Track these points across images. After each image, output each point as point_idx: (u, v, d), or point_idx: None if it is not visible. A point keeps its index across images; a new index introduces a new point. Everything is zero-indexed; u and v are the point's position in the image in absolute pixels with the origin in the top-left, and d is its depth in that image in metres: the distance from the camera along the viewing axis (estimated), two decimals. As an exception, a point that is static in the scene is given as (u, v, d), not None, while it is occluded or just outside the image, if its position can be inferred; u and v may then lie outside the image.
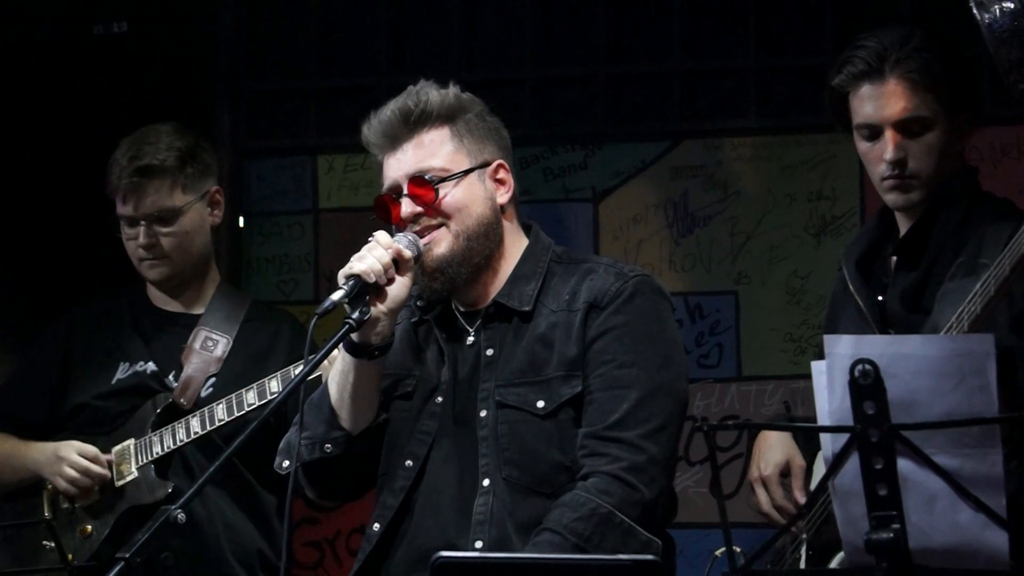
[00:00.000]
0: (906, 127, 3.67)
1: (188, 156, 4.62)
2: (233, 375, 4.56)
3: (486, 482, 3.47)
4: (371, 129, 3.60)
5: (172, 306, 4.72)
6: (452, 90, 3.62)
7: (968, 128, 3.74)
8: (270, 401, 4.32)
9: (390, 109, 3.58)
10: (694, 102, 5.74)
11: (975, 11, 3.38)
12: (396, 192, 3.57)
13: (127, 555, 2.97)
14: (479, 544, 3.42)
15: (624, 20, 5.79)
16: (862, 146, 3.75)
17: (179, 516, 3.04)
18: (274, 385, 4.33)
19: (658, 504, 3.46)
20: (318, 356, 3.40)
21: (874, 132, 3.70)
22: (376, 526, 3.58)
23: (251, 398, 4.38)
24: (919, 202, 3.71)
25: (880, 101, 3.67)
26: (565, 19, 5.84)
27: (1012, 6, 3.35)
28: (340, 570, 5.74)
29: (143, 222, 4.58)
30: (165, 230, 4.59)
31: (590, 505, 3.39)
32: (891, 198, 3.73)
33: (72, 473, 4.56)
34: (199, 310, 4.70)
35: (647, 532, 3.42)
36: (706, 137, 5.71)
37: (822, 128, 5.59)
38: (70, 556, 4.49)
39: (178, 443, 4.50)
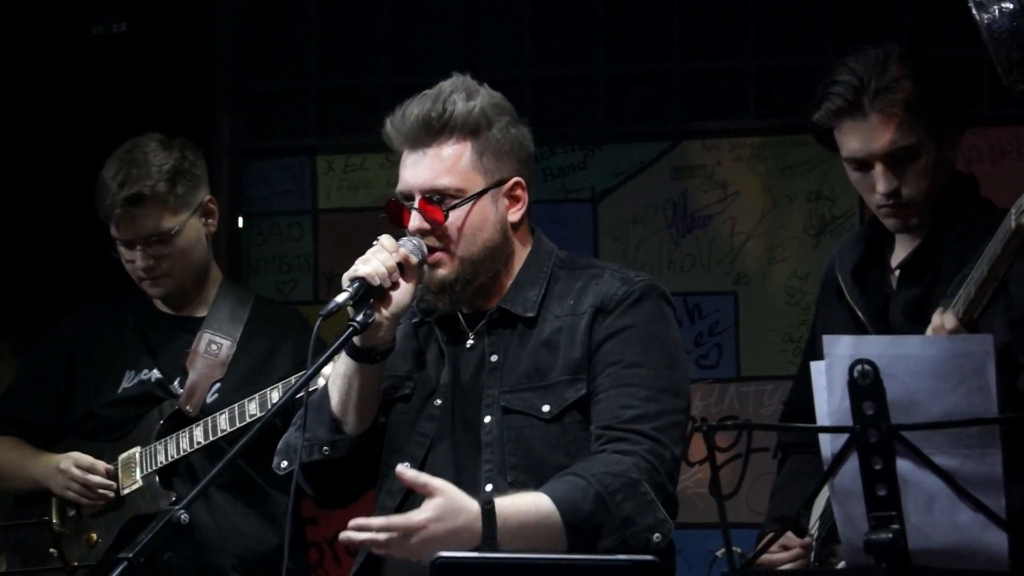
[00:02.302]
0: (894, 158, 3.64)
1: (177, 175, 4.58)
2: (238, 379, 4.56)
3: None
4: (393, 125, 3.56)
5: (176, 310, 4.72)
6: (480, 101, 3.55)
7: (955, 137, 3.73)
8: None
9: (414, 114, 3.52)
10: (694, 102, 5.74)
11: (974, 11, 3.37)
12: (408, 198, 3.56)
13: (130, 555, 2.97)
14: (478, 546, 3.43)
15: (624, 20, 5.79)
16: (853, 176, 3.73)
17: (182, 517, 3.05)
18: (275, 396, 4.33)
19: (670, 499, 3.46)
20: (322, 359, 3.40)
21: (863, 165, 3.68)
22: (375, 527, 3.59)
23: (253, 409, 4.37)
24: (919, 224, 3.70)
25: (864, 136, 3.64)
26: (565, 19, 5.84)
27: (1011, 6, 3.34)
28: (340, 570, 5.73)
29: (140, 246, 4.58)
30: (163, 251, 4.58)
31: (622, 467, 3.38)
32: (890, 223, 3.72)
33: (75, 486, 4.57)
34: (202, 313, 4.69)
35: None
36: (706, 137, 5.71)
37: (821, 128, 5.60)
38: (75, 563, 4.50)
39: (182, 452, 4.50)
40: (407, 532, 3.23)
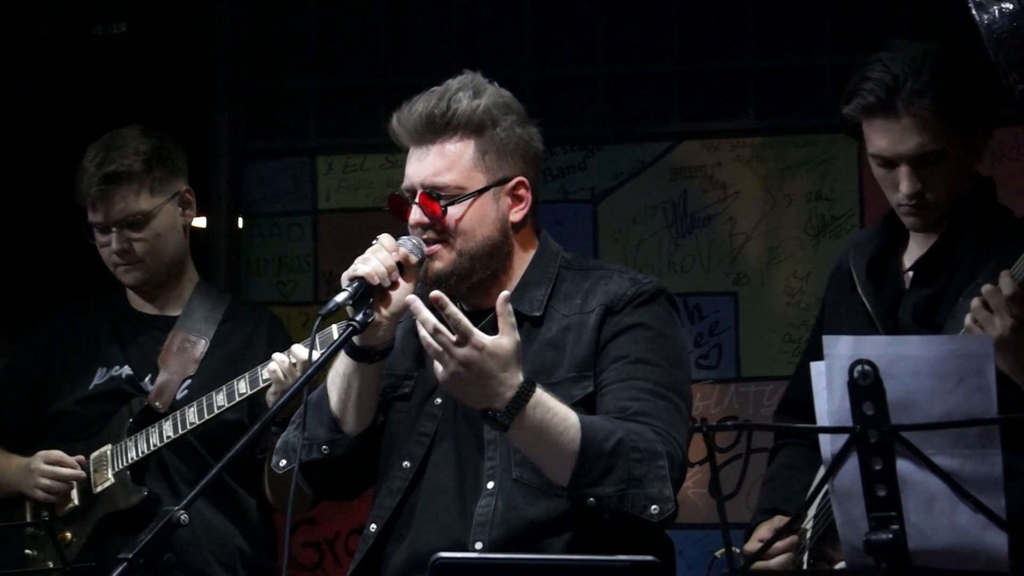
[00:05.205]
0: (921, 160, 3.60)
1: (154, 159, 4.61)
2: (209, 377, 4.57)
3: (491, 484, 3.47)
4: (399, 121, 3.57)
5: (150, 308, 4.73)
6: (486, 100, 3.55)
7: (982, 141, 3.70)
8: (244, 401, 4.36)
9: (418, 111, 3.53)
10: (694, 102, 5.74)
11: (974, 12, 3.37)
12: (411, 193, 3.57)
13: (130, 555, 2.97)
14: (479, 545, 3.42)
15: (623, 20, 5.79)
16: (877, 171, 3.68)
17: (181, 517, 3.05)
18: (242, 386, 4.33)
19: (677, 488, 3.46)
20: (321, 357, 3.41)
21: (888, 163, 3.64)
22: (373, 527, 3.58)
23: (220, 400, 4.38)
24: (937, 224, 3.68)
25: (894, 137, 3.59)
26: (565, 19, 5.85)
27: (1011, 7, 3.34)
28: (339, 571, 5.74)
29: (114, 228, 4.59)
30: (137, 235, 4.59)
31: (651, 436, 3.39)
32: (909, 222, 3.69)
33: (44, 481, 4.58)
34: (176, 312, 4.71)
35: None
36: (705, 138, 5.71)
37: (821, 129, 5.60)
38: (50, 564, 4.51)
39: (152, 448, 4.51)
40: (464, 338, 3.23)
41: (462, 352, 3.24)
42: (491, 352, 3.25)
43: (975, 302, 3.35)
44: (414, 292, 3.53)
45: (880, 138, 3.62)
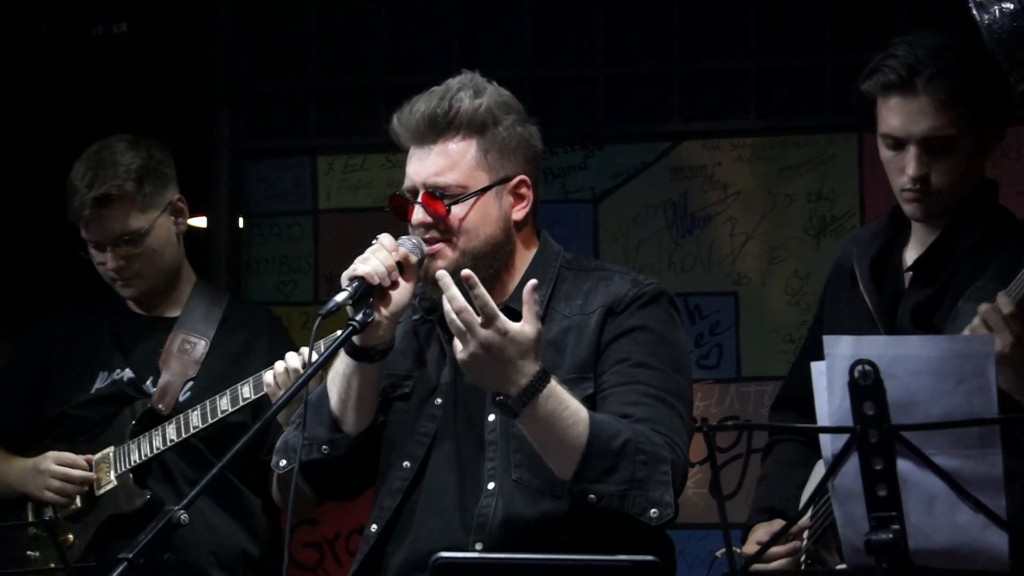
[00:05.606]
0: (931, 144, 3.60)
1: (145, 175, 4.58)
2: (211, 378, 4.56)
3: (491, 485, 3.47)
4: (400, 122, 3.56)
5: (149, 311, 4.72)
6: (487, 99, 3.55)
7: (993, 141, 3.70)
8: (248, 405, 4.35)
9: (420, 111, 3.53)
10: (694, 102, 5.75)
11: (974, 12, 3.37)
12: (412, 193, 3.57)
13: (130, 555, 2.97)
14: (479, 546, 3.42)
15: (624, 20, 5.79)
16: (885, 154, 3.69)
17: (182, 517, 3.04)
18: (246, 391, 4.33)
19: (678, 495, 3.46)
20: (321, 358, 3.41)
21: (898, 143, 3.64)
22: (374, 527, 3.58)
23: (224, 404, 4.37)
24: (937, 215, 3.69)
25: (908, 116, 3.60)
26: (565, 19, 5.85)
27: (1011, 6, 3.35)
28: (340, 571, 5.74)
29: (110, 247, 4.58)
30: (133, 251, 4.58)
31: (658, 440, 3.40)
32: (909, 209, 3.69)
33: (55, 483, 4.58)
34: (175, 312, 4.70)
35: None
36: (706, 138, 5.71)
37: (822, 129, 5.60)
38: (52, 565, 4.50)
39: (155, 451, 4.50)
40: (489, 320, 3.24)
41: (485, 333, 3.25)
42: (512, 338, 3.26)
43: (975, 321, 3.36)
44: (415, 294, 3.54)
45: (894, 117, 3.62)
